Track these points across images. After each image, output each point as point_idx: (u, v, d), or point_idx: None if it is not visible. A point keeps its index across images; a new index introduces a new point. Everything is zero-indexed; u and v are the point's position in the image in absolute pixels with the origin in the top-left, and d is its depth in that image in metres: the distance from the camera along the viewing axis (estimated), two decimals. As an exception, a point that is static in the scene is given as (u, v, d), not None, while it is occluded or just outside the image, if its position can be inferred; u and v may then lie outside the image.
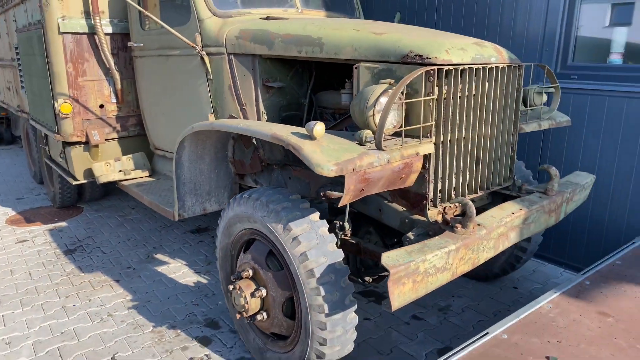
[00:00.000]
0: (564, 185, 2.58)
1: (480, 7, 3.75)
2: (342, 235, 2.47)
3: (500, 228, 2.11)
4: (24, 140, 6.29)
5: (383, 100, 1.95)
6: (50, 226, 4.59)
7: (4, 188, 5.96)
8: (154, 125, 3.64)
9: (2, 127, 8.60)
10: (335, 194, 2.37)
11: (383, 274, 2.72)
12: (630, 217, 3.18)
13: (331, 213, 2.77)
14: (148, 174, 3.77)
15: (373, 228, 2.65)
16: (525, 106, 2.79)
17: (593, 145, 3.29)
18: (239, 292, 2.23)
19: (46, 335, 2.81)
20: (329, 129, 2.67)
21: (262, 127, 2.06)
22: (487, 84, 2.23)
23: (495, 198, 2.59)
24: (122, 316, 2.99)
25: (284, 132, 1.92)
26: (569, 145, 3.42)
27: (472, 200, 2.43)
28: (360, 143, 1.95)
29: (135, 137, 3.94)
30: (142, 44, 3.41)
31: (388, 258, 1.72)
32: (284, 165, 2.80)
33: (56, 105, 3.54)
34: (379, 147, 1.88)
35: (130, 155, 3.81)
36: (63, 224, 4.66)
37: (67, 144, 3.79)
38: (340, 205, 1.87)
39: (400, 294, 1.72)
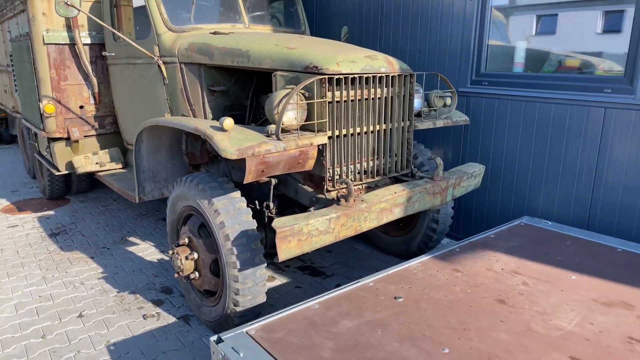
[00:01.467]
0: (452, 173, 3.11)
1: (413, 23, 4.29)
2: (269, 213, 3.01)
3: (382, 204, 2.64)
4: (20, 139, 6.87)
5: (284, 101, 2.49)
6: (39, 214, 5.15)
7: (1, 181, 6.53)
8: (125, 124, 4.19)
9: (1, 128, 9.18)
10: (264, 179, 2.91)
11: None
12: (524, 201, 3.72)
13: (268, 197, 3.31)
14: (122, 166, 4.33)
15: (298, 208, 3.18)
16: (430, 107, 3.34)
17: (500, 140, 3.82)
18: (176, 256, 2.78)
19: (27, 298, 3.35)
20: (260, 124, 3.23)
21: (188, 121, 2.61)
22: (378, 89, 2.78)
23: (396, 183, 3.13)
24: (92, 284, 3.54)
25: (203, 126, 2.46)
26: (482, 140, 3.95)
27: (376, 184, 2.98)
28: (268, 135, 2.49)
29: (111, 134, 4.50)
30: (114, 54, 3.98)
31: (278, 221, 2.26)
32: (227, 156, 3.35)
33: (41, 105, 4.10)
34: (277, 138, 2.42)
35: (106, 150, 4.37)
36: (51, 212, 5.21)
37: (52, 139, 4.35)
38: (244, 182, 2.40)
39: (287, 249, 2.25)
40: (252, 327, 1.99)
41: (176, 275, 2.83)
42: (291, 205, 3.20)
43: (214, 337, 1.91)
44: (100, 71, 4.29)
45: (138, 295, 3.37)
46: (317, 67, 2.58)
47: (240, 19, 3.78)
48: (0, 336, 2.89)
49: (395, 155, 3.01)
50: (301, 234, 2.29)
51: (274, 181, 2.93)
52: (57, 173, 4.33)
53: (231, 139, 2.35)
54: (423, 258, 2.66)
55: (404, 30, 4.37)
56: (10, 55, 5.25)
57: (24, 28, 4.29)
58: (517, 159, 3.73)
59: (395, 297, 2.23)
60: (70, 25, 4.11)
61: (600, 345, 1.83)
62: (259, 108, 3.46)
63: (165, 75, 3.46)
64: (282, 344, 1.87)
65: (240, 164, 3.29)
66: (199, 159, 3.47)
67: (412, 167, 3.12)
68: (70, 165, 4.32)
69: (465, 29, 3.91)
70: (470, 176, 3.18)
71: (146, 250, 4.15)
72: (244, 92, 3.46)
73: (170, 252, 2.83)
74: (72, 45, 4.16)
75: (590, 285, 2.33)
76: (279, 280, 3.59)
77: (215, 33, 3.45)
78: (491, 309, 2.12)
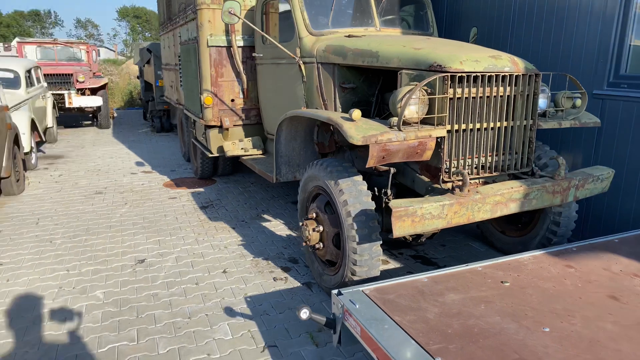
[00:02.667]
0: (576, 174, 3.08)
1: (547, 22, 4.22)
2: (386, 199, 3.31)
3: (497, 197, 2.77)
4: (178, 127, 8.12)
5: (407, 96, 2.77)
6: (192, 190, 6.11)
7: (162, 162, 7.81)
8: (267, 116, 4.82)
9: (163, 118, 10.85)
10: (383, 168, 3.23)
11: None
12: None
13: (387, 185, 3.61)
14: (261, 153, 4.98)
15: (413, 197, 3.42)
16: (557, 108, 3.33)
17: (638, 145, 3.61)
18: (305, 227, 3.22)
19: (184, 254, 4.11)
20: (383, 118, 3.54)
21: (322, 113, 3.02)
22: (500, 88, 2.90)
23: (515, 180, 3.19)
24: (233, 249, 4.19)
25: (334, 116, 2.85)
26: (618, 145, 3.76)
27: (494, 179, 3.10)
28: (390, 126, 2.79)
29: (254, 125, 5.19)
30: (262, 55, 4.61)
31: (395, 202, 2.55)
32: (352, 147, 3.73)
33: (202, 98, 4.92)
34: (398, 128, 2.71)
35: (249, 138, 5.06)
36: (201, 189, 6.15)
37: (207, 127, 5.17)
38: (366, 166, 2.73)
39: (401, 227, 2.53)
40: (367, 287, 2.32)
41: (303, 244, 3.28)
42: (407, 194, 3.45)
43: (335, 291, 2.27)
44: (249, 70, 4.98)
45: (270, 262, 3.91)
46: (440, 66, 2.81)
47: (372, 23, 4.12)
48: (165, 279, 3.63)
49: (516, 153, 3.08)
50: (415, 215, 2.55)
51: (392, 170, 3.21)
52: (210, 155, 5.15)
53: (358, 127, 2.70)
54: (536, 252, 2.72)
55: (537, 30, 4.32)
56: (179, 56, 6.29)
57: (193, 33, 5.17)
58: (657, 165, 3.49)
59: (502, 282, 2.37)
60: (228, 31, 4.85)
61: None
62: (384, 104, 3.76)
63: (304, 74, 3.95)
64: (393, 303, 2.16)
65: (362, 153, 3.64)
66: (327, 148, 3.90)
67: (534, 166, 3.16)
68: (220, 149, 5.09)
69: (605, 27, 3.76)
70: (596, 179, 3.11)
71: (277, 227, 4.74)
72: (371, 89, 3.79)
73: (300, 224, 3.29)
74: (228, 47, 4.91)
75: None
76: (393, 264, 3.87)
77: (349, 36, 3.84)
78: (601, 302, 2.15)
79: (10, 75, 7.86)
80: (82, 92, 11.16)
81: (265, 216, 5.07)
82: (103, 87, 11.73)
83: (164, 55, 8.05)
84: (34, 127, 7.31)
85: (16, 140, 6.00)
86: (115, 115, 14.17)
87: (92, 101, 10.90)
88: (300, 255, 4.04)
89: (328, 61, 3.70)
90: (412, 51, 3.07)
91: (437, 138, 2.81)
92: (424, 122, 2.88)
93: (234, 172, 6.86)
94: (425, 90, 2.82)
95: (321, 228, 3.18)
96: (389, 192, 3.24)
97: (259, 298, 3.33)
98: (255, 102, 5.14)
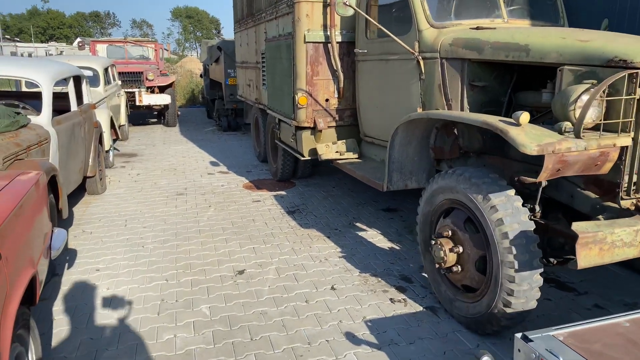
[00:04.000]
0: None
1: None
2: (532, 217, 2.85)
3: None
4: (252, 126, 7.92)
5: (584, 97, 2.31)
6: (274, 193, 5.85)
7: (236, 162, 7.63)
8: (366, 117, 4.45)
9: (230, 117, 10.75)
10: (529, 180, 2.77)
11: (568, 257, 3.00)
12: None
13: (523, 199, 3.15)
14: (357, 156, 4.62)
15: (561, 214, 2.95)
16: None
17: None
18: (439, 247, 2.82)
19: (283, 265, 3.82)
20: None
21: (473, 116, 2.60)
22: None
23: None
24: (335, 262, 3.85)
25: (493, 120, 2.43)
26: None
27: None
28: (560, 133, 2.34)
29: (347, 126, 4.84)
30: (365, 51, 4.25)
31: (578, 226, 2.11)
32: (479, 153, 3.29)
33: (296, 97, 4.61)
34: (577, 136, 2.26)
35: (344, 140, 4.71)
36: (283, 192, 5.88)
37: (299, 128, 4.87)
38: (538, 179, 2.30)
39: (586, 257, 2.09)
40: (559, 332, 1.88)
41: (437, 265, 2.88)
42: (554, 210, 2.98)
43: (518, 335, 1.86)
44: (345, 67, 4.64)
45: (380, 279, 3.54)
46: (625, 61, 2.32)
47: (499, 14, 3.66)
48: (271, 294, 3.34)
49: None
50: (604, 242, 2.10)
51: (544, 182, 2.76)
52: (302, 158, 4.84)
53: (527, 134, 2.27)
54: None
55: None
56: (262, 54, 6.04)
57: (286, 28, 4.88)
58: None
59: None
60: (326, 26, 4.52)
61: None
62: (517, 105, 3.30)
63: (423, 71, 3.55)
64: (604, 357, 1.72)
65: (494, 161, 3.20)
66: (448, 153, 3.48)
67: None
68: (313, 152, 4.78)
69: None
70: None
71: (375, 237, 4.36)
72: (502, 88, 3.34)
73: (432, 242, 2.89)
74: (325, 43, 4.58)
75: None
76: (521, 287, 3.39)
77: (477, 29, 3.40)
78: None
79: (90, 73, 7.93)
80: (151, 90, 11.26)
81: (359, 224, 4.71)
82: (170, 85, 11.80)
83: (239, 52, 7.87)
84: (112, 125, 7.32)
85: (100, 139, 5.96)
86: (179, 113, 14.30)
87: (161, 99, 10.97)
88: (413, 273, 3.65)
89: (456, 56, 3.28)
90: (577, 44, 2.59)
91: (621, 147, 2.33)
92: (594, 128, 2.41)
93: (312, 174, 6.55)
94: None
95: (460, 249, 2.77)
96: (537, 208, 2.79)
97: (380, 323, 2.96)
98: (351, 102, 4.78)
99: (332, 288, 3.42)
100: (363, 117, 4.51)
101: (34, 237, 2.32)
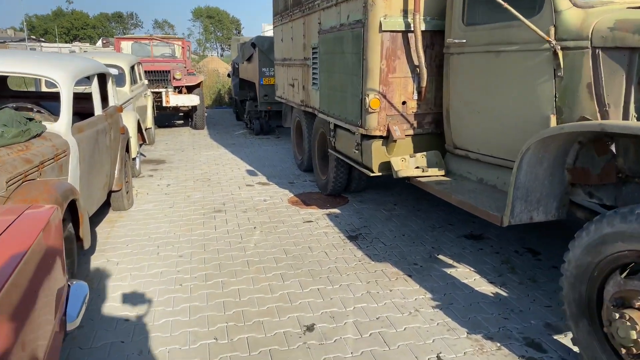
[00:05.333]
0: None
1: None
2: None
3: None
4: (293, 132, 7.07)
5: None
6: (326, 211, 4.99)
7: (276, 171, 6.79)
8: (460, 124, 3.55)
9: (263, 120, 9.93)
10: None
11: None
12: None
13: None
14: (443, 173, 3.72)
15: None
16: None
17: None
18: (628, 323, 1.91)
19: (362, 317, 2.94)
20: None
21: None
22: None
23: None
24: (430, 315, 2.96)
25: None
26: None
27: None
28: None
29: (427, 135, 3.95)
30: (464, 40, 3.34)
31: None
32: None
33: (367, 100, 3.74)
34: None
35: (423, 153, 3.82)
36: (336, 210, 5.01)
37: (366, 137, 4.00)
38: None
39: None
40: None
41: (623, 350, 1.97)
42: None
43: None
44: (428, 62, 3.74)
45: (499, 344, 2.64)
46: None
47: (660, -12, 2.72)
48: (356, 352, 2.47)
49: None
50: None
51: None
52: (371, 174, 3.96)
53: None
54: None
55: None
56: (314, 48, 5.19)
57: (353, 16, 4.01)
58: None
59: None
60: (407, 10, 3.64)
61: None
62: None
63: (562, 65, 2.63)
64: None
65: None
66: (595, 178, 2.56)
67: None
68: (385, 166, 3.90)
69: None
70: None
71: (469, 277, 3.46)
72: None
73: (616, 314, 1.98)
74: (405, 32, 3.69)
75: None
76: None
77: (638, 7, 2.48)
78: None
79: (115, 72, 7.19)
80: (178, 90, 10.53)
81: (442, 257, 3.81)
82: (198, 85, 11.05)
83: (279, 49, 7.04)
84: (138, 129, 6.55)
85: (126, 146, 5.19)
86: (206, 114, 13.60)
87: (189, 100, 10.22)
88: (540, 335, 2.73)
89: (622, 45, 2.36)
90: None
91: None
92: None
93: (366, 188, 5.66)
94: None
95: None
96: None
97: None
98: (432, 105, 3.89)
99: (438, 358, 2.54)
100: (455, 125, 3.60)
101: (39, 316, 1.50)
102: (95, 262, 3.75)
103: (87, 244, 3.22)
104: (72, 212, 3.04)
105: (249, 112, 10.30)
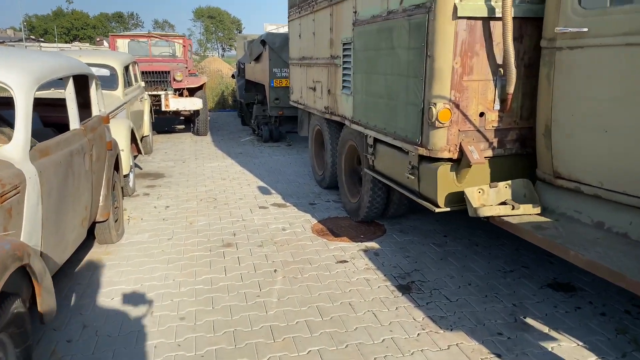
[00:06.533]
0: None
1: None
2: None
3: None
4: (312, 142, 6.10)
5: None
6: (361, 245, 4.02)
7: (292, 188, 5.82)
8: (569, 146, 2.57)
9: (273, 126, 8.96)
10: None
11: None
12: None
13: None
14: (538, 211, 2.74)
15: None
16: None
17: None
18: None
19: None
20: None
21: None
22: None
23: None
24: None
25: None
26: None
27: None
28: None
29: (511, 157, 2.98)
30: (585, 29, 2.37)
31: None
32: None
33: (433, 110, 2.77)
34: None
35: (508, 182, 2.85)
36: (373, 244, 4.04)
37: (427, 159, 3.03)
38: None
39: None
40: None
41: None
42: None
43: None
44: (518, 60, 2.77)
45: None
46: None
47: None
48: None
49: None
50: None
51: None
52: (435, 210, 2.97)
53: None
54: None
55: None
56: (346, 44, 4.22)
57: (407, 1, 3.04)
58: None
59: None
60: (490, -10, 2.67)
61: None
62: None
63: None
64: None
65: None
66: None
67: None
68: (454, 198, 2.92)
69: None
70: None
71: (578, 353, 2.49)
72: None
73: None
74: (487, 19, 2.73)
75: None
76: None
77: None
78: None
79: (106, 72, 6.23)
80: (179, 92, 9.56)
81: (532, 323, 2.84)
82: (201, 87, 10.08)
83: (296, 46, 6.06)
84: (133, 139, 5.59)
85: (116, 163, 4.22)
86: (209, 118, 12.66)
87: (191, 104, 9.22)
88: None
89: None
90: None
91: None
92: None
93: (405, 213, 4.69)
94: None
95: None
96: None
97: None
98: (517, 118, 2.92)
99: None
100: (560, 146, 2.62)
101: None
102: (67, 330, 2.78)
103: (49, 318, 2.26)
104: (27, 278, 2.09)
105: (257, 117, 9.34)
